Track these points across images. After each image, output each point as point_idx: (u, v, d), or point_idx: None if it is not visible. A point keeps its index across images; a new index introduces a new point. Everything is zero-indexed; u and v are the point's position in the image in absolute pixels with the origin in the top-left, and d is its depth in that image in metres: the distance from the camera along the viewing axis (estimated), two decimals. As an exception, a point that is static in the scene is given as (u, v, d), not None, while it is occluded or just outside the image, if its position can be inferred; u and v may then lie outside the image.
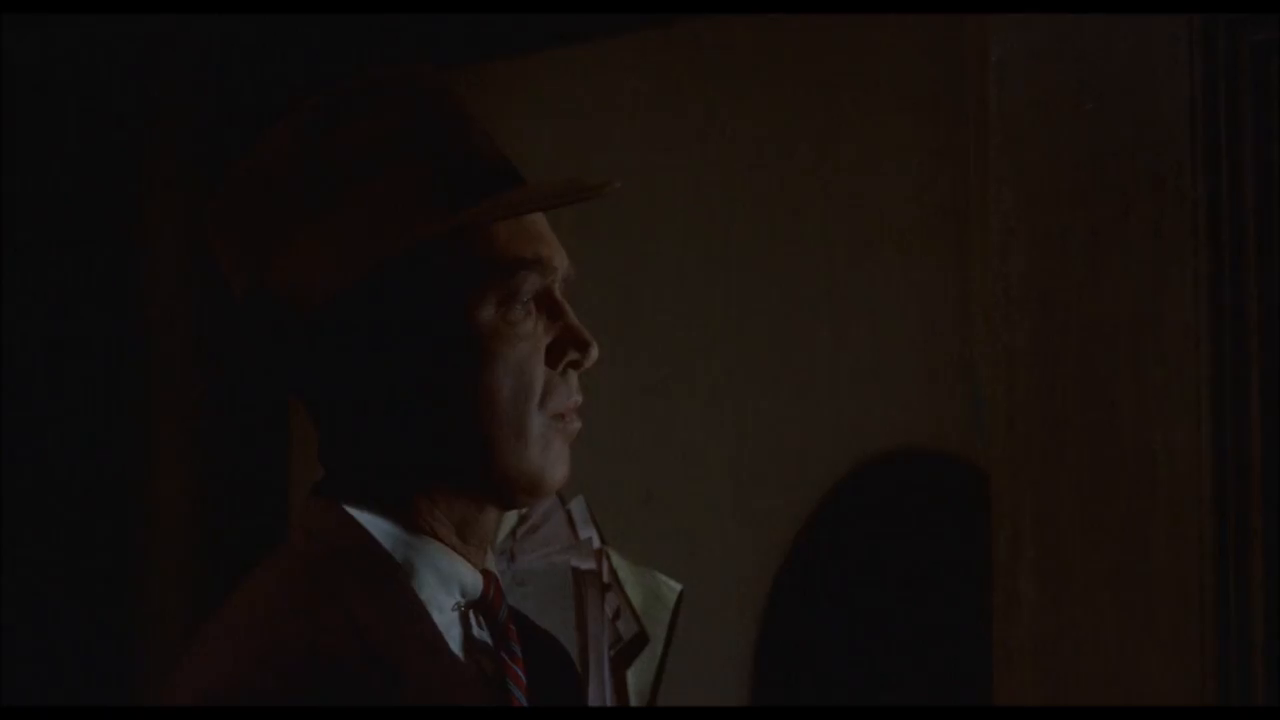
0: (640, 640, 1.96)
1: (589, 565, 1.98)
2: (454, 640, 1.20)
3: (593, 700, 1.95)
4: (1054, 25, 1.46)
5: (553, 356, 1.19)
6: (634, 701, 1.96)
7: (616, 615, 1.97)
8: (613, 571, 1.98)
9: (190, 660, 1.16)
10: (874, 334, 1.83)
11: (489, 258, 1.17)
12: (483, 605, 1.23)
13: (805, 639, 1.87)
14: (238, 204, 1.18)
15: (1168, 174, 1.39)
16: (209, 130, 2.26)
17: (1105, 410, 1.43)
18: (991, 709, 1.66)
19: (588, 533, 2.00)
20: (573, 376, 1.21)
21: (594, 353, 1.20)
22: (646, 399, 1.98)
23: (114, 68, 2.24)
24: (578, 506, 2.01)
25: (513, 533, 2.04)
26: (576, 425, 1.22)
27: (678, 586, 1.95)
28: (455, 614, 1.21)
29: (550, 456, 1.20)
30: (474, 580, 1.22)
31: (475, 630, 1.22)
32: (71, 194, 2.21)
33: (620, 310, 2.01)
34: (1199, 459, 1.37)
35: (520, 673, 1.25)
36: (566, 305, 1.21)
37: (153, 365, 2.23)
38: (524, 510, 2.02)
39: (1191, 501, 1.37)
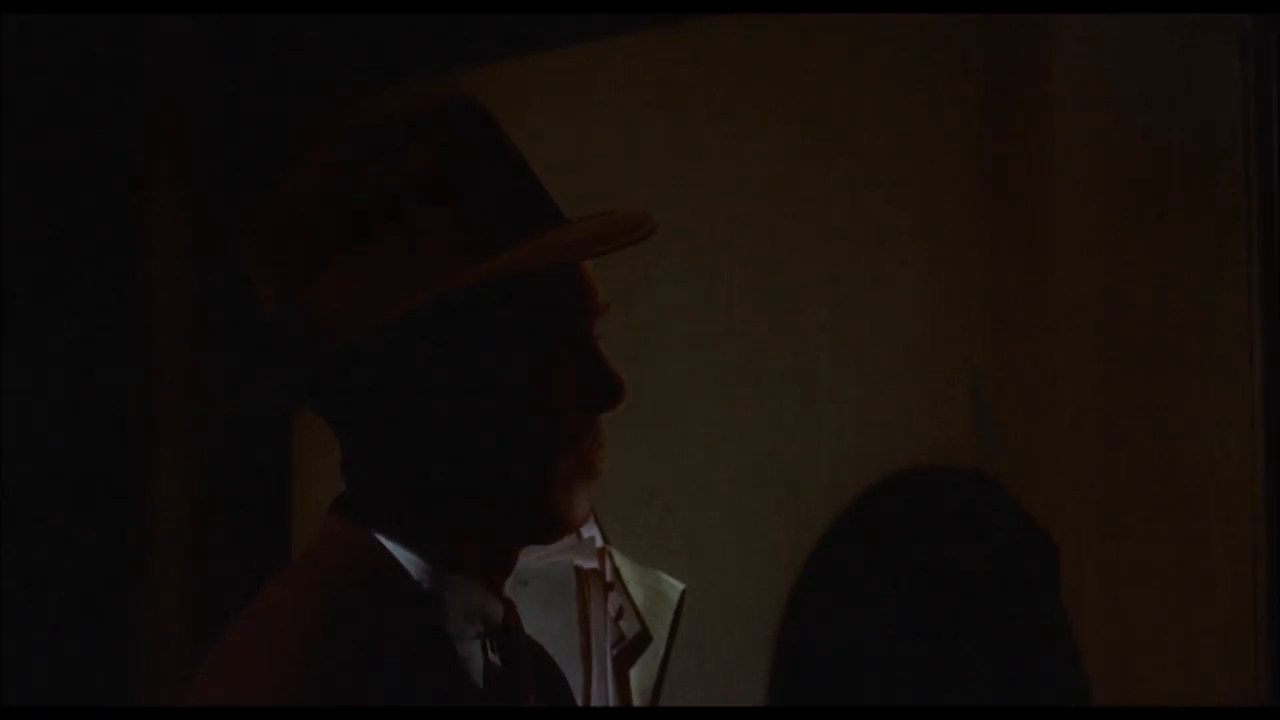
0: (643, 639, 1.96)
1: (591, 564, 1.98)
2: (475, 671, 1.21)
3: (595, 700, 1.94)
4: (1118, 29, 1.48)
5: (584, 398, 1.19)
6: (636, 701, 1.96)
7: (619, 614, 1.97)
8: (615, 571, 1.97)
9: (210, 677, 1.14)
10: (877, 335, 1.84)
11: (527, 300, 1.16)
12: (502, 635, 1.24)
13: (808, 639, 1.88)
14: (272, 224, 1.17)
15: (1222, 182, 1.42)
16: (212, 128, 2.23)
17: (1162, 416, 1.47)
18: (992, 709, 1.68)
19: (590, 532, 1.99)
20: (601, 417, 1.21)
21: (625, 395, 1.20)
22: (648, 398, 1.98)
23: (116, 66, 2.20)
24: (580, 505, 2.00)
25: (514, 532, 2.03)
26: (603, 466, 1.22)
27: (680, 586, 1.95)
28: (477, 643, 1.21)
29: (575, 498, 1.21)
30: (497, 612, 1.23)
31: (491, 656, 1.22)
32: (71, 192, 2.18)
33: (622, 309, 2.00)
34: (1253, 463, 1.41)
35: (534, 701, 1.26)
36: (601, 347, 1.21)
37: (153, 364, 2.20)
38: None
39: (1246, 505, 1.40)
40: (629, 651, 1.96)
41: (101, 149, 2.19)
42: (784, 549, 1.89)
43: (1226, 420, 1.43)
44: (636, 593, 1.97)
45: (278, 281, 1.17)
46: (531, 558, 2.01)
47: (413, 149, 1.15)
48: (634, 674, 1.96)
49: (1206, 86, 1.44)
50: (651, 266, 1.99)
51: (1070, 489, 1.54)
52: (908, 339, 1.82)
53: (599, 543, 1.98)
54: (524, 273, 1.13)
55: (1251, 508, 1.41)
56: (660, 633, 1.96)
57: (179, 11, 2.15)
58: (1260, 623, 1.40)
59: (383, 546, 1.18)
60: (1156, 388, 1.49)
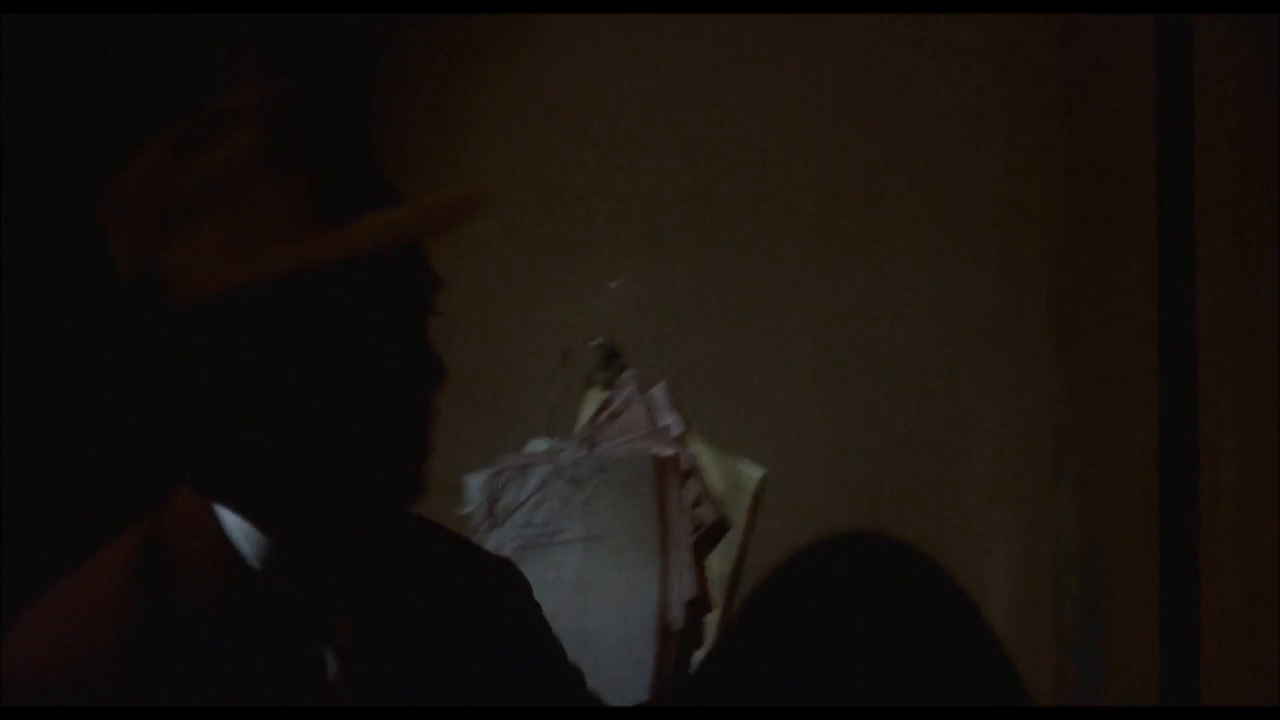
0: (721, 527, 1.96)
1: (669, 451, 1.97)
2: (304, 662, 1.25)
3: (671, 588, 1.93)
4: (1256, 25, 1.58)
5: (409, 376, 1.24)
6: (714, 587, 1.95)
7: (697, 502, 1.96)
8: (693, 458, 1.97)
9: (9, 634, 1.21)
10: (958, 225, 1.88)
11: (357, 278, 1.21)
12: (333, 625, 1.29)
13: (884, 526, 1.89)
14: (129, 198, 1.23)
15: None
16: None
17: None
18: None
19: (668, 419, 1.99)
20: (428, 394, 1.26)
21: (447, 379, 1.25)
22: (726, 285, 1.99)
23: (142, 62, 2.18)
24: (658, 393, 2.00)
25: (593, 419, 2.02)
26: (432, 443, 1.26)
27: (760, 472, 1.96)
28: (308, 638, 1.26)
29: (408, 475, 1.25)
30: (332, 601, 1.28)
31: (324, 654, 1.27)
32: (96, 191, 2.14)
33: (701, 203, 2.02)
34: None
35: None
36: (427, 331, 1.27)
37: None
38: (606, 395, 2.02)
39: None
40: (707, 538, 1.96)
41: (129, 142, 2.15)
42: (862, 435, 1.91)
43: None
44: (715, 480, 1.97)
45: (138, 251, 1.22)
46: (610, 444, 2.00)
47: (255, 129, 1.22)
48: (713, 560, 1.96)
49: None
50: (726, 161, 2.01)
51: (1213, 444, 1.63)
52: (987, 228, 1.85)
53: (677, 430, 1.98)
54: (349, 256, 1.18)
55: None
56: (738, 520, 1.96)
57: (204, 11, 2.13)
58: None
59: (224, 535, 1.24)
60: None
